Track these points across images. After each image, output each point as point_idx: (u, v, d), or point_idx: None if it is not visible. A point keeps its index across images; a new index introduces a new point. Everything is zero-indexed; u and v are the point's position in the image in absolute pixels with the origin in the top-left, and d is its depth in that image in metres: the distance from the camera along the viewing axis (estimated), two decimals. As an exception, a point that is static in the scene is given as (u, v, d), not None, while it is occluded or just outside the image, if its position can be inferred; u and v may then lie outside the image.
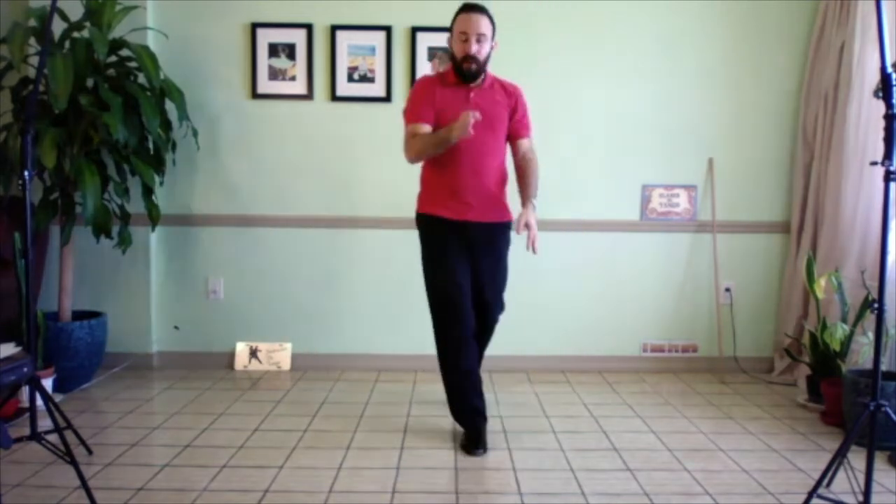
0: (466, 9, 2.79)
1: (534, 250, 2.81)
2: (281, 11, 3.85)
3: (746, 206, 4.01)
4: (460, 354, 2.88)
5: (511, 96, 2.95)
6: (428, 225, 2.92)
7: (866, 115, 3.43)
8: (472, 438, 2.79)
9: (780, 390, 3.69)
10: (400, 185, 3.91)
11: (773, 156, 4.00)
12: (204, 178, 3.93)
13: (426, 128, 2.80)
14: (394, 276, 3.95)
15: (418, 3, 3.85)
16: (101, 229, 3.47)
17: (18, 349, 2.92)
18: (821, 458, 2.70)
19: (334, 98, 3.87)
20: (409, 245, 3.94)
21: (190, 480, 2.45)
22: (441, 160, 2.82)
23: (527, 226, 2.79)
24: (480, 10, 2.78)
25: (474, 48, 2.75)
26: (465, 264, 2.90)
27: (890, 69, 1.97)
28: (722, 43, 3.92)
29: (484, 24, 2.77)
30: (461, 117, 2.62)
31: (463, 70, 2.79)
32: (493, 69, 3.87)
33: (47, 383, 3.19)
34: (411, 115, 2.84)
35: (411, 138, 2.81)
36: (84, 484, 2.20)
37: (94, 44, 3.22)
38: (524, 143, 2.98)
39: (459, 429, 3.01)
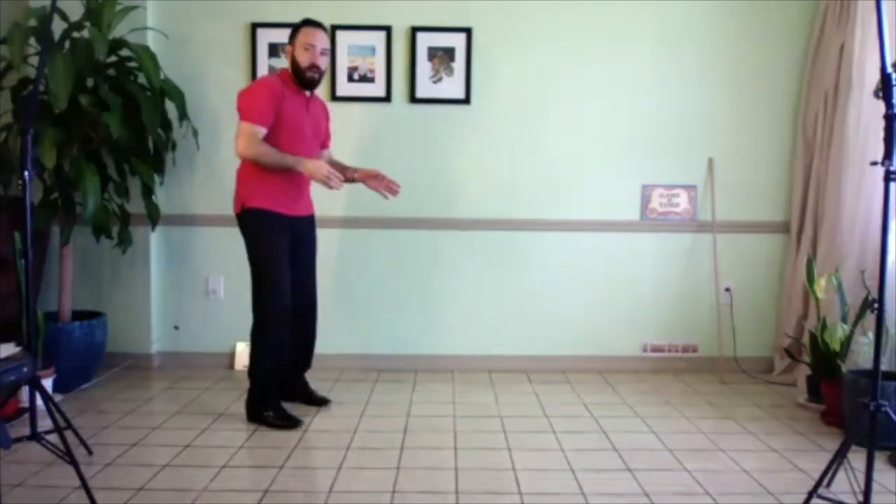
0: (312, 24, 3.06)
1: (393, 191, 3.19)
2: (281, 11, 3.85)
3: (746, 206, 4.01)
4: (286, 349, 3.10)
5: (326, 111, 3.33)
6: (264, 220, 2.99)
7: (866, 115, 3.43)
8: (289, 420, 3.02)
9: (780, 390, 3.69)
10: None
11: (773, 156, 4.00)
12: (204, 178, 3.93)
13: (264, 131, 2.92)
14: (392, 276, 3.96)
15: (418, 3, 3.85)
16: (101, 229, 3.47)
17: (18, 349, 2.93)
18: (821, 458, 2.69)
19: (334, 98, 3.87)
20: (408, 245, 3.97)
21: (190, 480, 2.45)
22: None
23: (379, 177, 3.21)
24: (323, 27, 3.07)
25: (320, 59, 3.01)
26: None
27: (890, 69, 1.97)
28: (722, 43, 3.92)
29: (327, 41, 3.07)
30: (320, 169, 2.86)
31: (306, 78, 3.01)
32: (492, 69, 3.91)
33: (47, 383, 3.19)
34: (254, 114, 2.90)
35: (252, 138, 2.89)
36: (84, 484, 2.20)
37: (94, 44, 3.22)
38: (328, 152, 3.38)
39: (460, 428, 3.02)
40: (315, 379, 3.70)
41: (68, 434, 2.47)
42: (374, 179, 3.23)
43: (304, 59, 3.00)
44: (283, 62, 3.84)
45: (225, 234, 3.93)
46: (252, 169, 2.99)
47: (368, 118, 3.90)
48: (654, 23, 3.90)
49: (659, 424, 3.11)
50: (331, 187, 2.91)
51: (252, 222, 3.00)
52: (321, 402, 3.31)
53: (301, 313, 3.17)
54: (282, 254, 3.01)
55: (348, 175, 3.24)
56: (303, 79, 3.02)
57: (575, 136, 3.95)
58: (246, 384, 3.58)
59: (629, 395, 3.55)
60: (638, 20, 3.89)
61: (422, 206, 3.94)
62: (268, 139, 2.95)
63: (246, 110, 2.92)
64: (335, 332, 3.96)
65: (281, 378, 3.12)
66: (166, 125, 3.61)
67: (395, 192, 3.22)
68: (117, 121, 3.22)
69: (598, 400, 3.48)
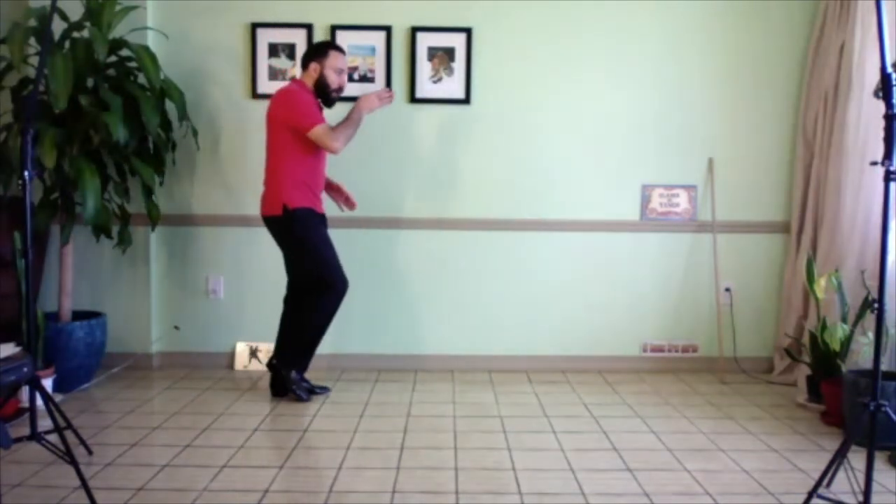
0: (339, 48, 3.37)
1: (350, 206, 3.62)
2: (281, 11, 3.85)
3: (746, 206, 4.01)
4: (331, 322, 3.42)
5: None
6: (309, 218, 3.30)
7: (866, 115, 3.43)
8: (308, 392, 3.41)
9: (780, 390, 3.69)
10: (393, 186, 3.94)
11: (773, 156, 4.00)
12: (204, 178, 3.93)
13: (329, 124, 3.21)
14: (393, 276, 3.96)
15: (418, 3, 3.86)
16: (101, 229, 3.47)
17: (18, 349, 2.93)
18: (821, 458, 2.70)
19: (334, 98, 3.87)
20: (408, 245, 3.97)
21: (190, 480, 2.45)
22: (309, 163, 3.28)
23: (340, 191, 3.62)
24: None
25: (345, 83, 3.40)
26: None
27: (890, 69, 1.97)
28: (722, 43, 3.92)
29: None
30: (371, 101, 3.33)
31: (331, 98, 3.35)
32: (492, 69, 3.91)
33: (47, 383, 3.19)
34: (315, 118, 3.21)
35: (332, 131, 3.20)
36: (84, 484, 2.20)
37: (94, 44, 3.22)
38: None
39: (460, 428, 3.02)
40: (315, 378, 3.71)
41: (68, 434, 2.47)
42: (336, 191, 3.59)
43: (334, 82, 3.32)
44: (282, 62, 3.88)
45: (225, 234, 3.94)
46: (291, 173, 3.23)
47: (368, 118, 3.88)
48: (654, 23, 3.90)
49: (659, 424, 3.11)
50: (382, 104, 3.37)
51: (300, 220, 3.25)
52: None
53: None
54: (327, 241, 3.34)
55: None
56: (327, 97, 3.34)
57: (575, 136, 3.95)
58: (246, 384, 3.60)
59: (629, 395, 3.55)
60: (638, 20, 3.89)
61: (422, 206, 3.94)
62: (296, 144, 3.22)
63: (306, 119, 3.19)
64: (335, 332, 3.95)
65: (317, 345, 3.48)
66: (166, 125, 3.61)
67: (351, 207, 3.61)
68: (117, 121, 3.22)
69: (598, 400, 3.48)
